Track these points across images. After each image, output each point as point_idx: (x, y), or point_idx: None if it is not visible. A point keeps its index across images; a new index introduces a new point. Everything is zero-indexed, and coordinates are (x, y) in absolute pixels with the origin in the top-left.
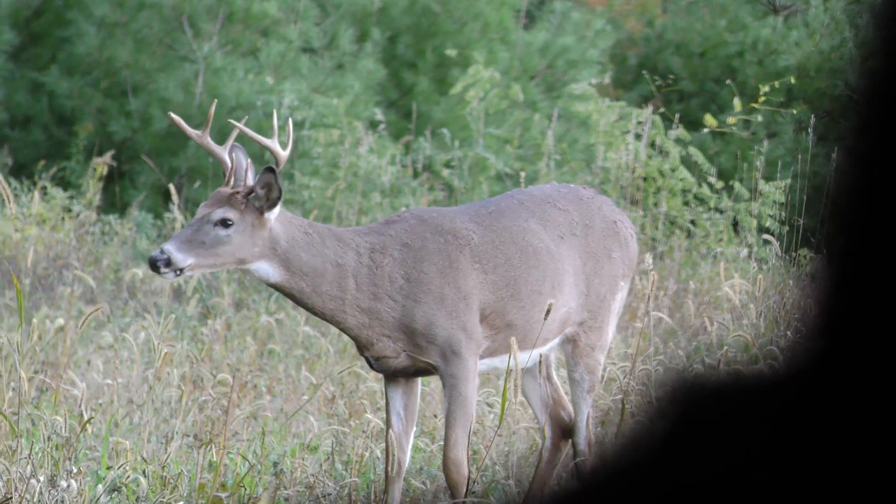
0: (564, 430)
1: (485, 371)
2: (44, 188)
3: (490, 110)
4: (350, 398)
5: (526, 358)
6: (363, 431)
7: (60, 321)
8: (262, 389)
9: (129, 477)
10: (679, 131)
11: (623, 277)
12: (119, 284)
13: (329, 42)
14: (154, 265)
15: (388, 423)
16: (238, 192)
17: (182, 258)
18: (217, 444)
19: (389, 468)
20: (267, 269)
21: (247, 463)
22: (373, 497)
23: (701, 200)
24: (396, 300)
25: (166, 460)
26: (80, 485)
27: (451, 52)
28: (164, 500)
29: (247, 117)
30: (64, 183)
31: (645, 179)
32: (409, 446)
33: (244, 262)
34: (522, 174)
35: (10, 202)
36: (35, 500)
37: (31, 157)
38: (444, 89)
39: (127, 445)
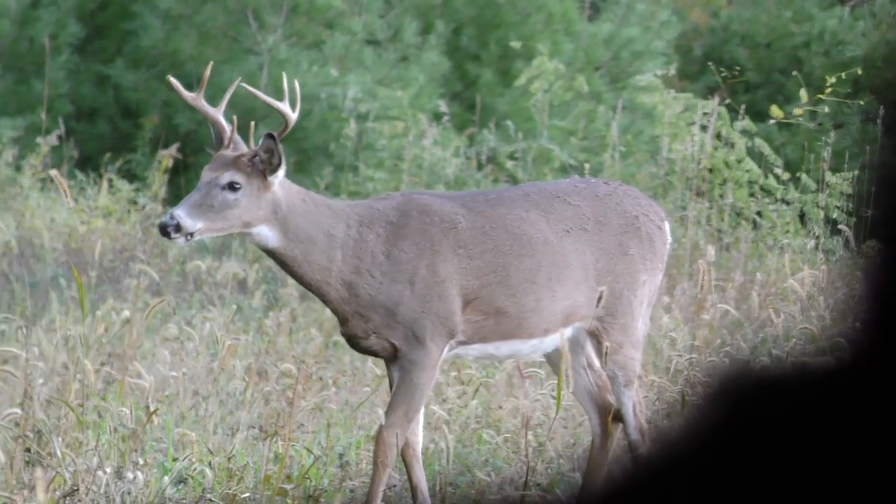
0: (614, 415)
1: (478, 357)
2: (110, 181)
3: (554, 102)
4: None
5: (527, 348)
6: (428, 423)
7: (126, 313)
8: (328, 381)
9: (195, 468)
10: (745, 122)
11: (646, 272)
12: (184, 276)
13: (393, 34)
14: (164, 230)
15: None
16: (243, 156)
17: (192, 223)
18: (282, 436)
19: (406, 455)
20: (267, 234)
21: (312, 455)
22: (437, 488)
23: (767, 192)
24: (375, 276)
25: (232, 452)
26: (147, 476)
27: (516, 44)
28: (230, 491)
29: (239, 80)
30: (130, 175)
31: (711, 171)
32: (420, 427)
33: (249, 224)
34: (587, 166)
35: (67, 197)
36: (101, 491)
37: (96, 149)
38: (508, 81)
39: (193, 437)
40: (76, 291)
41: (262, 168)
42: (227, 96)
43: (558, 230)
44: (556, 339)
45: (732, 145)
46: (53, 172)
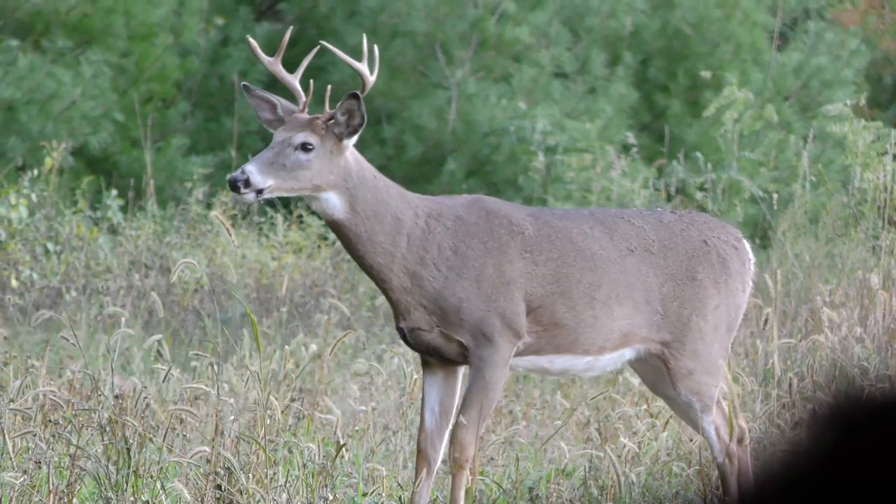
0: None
1: (529, 370)
2: (300, 216)
3: (744, 132)
4: (604, 423)
5: (581, 364)
6: (618, 456)
7: (314, 347)
8: (518, 415)
9: (384, 503)
10: None
11: (719, 296)
12: (375, 311)
13: (581, 66)
14: (234, 185)
15: (421, 418)
16: (318, 118)
17: (262, 180)
18: (471, 470)
19: (419, 467)
20: (335, 203)
21: (501, 489)
22: None
23: None
24: (441, 270)
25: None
26: None
27: (705, 74)
28: None
29: (318, 46)
30: None
31: None
32: (443, 445)
33: (319, 188)
34: (776, 196)
35: (231, 235)
36: None
37: None
38: (696, 111)
39: (382, 472)
40: (267, 327)
41: (339, 131)
42: (306, 63)
43: (622, 249)
44: (614, 358)
45: None
46: (213, 214)
